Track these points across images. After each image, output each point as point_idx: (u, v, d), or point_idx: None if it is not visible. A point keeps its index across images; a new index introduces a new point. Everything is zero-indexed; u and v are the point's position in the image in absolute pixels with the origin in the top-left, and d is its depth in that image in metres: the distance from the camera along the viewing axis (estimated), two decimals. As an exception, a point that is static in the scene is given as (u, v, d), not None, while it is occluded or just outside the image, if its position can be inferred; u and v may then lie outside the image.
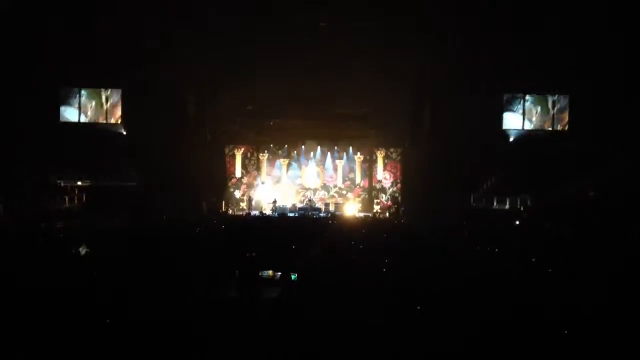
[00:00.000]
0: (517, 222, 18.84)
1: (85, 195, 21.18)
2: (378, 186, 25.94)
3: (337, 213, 23.89)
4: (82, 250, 9.03)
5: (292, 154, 26.00)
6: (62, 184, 21.37)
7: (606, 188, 19.45)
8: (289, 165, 26.06)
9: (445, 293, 6.07)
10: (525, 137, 24.35)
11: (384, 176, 25.90)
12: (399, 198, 25.42)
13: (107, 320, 4.98)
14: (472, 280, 6.88)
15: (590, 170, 20.59)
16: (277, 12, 20.86)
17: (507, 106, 24.58)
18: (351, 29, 21.63)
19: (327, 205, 24.93)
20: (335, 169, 26.03)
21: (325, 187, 26.06)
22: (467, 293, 6.13)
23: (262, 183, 25.73)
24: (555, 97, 24.32)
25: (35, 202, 18.55)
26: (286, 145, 25.97)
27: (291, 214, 23.05)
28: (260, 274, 7.86)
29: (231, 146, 26.06)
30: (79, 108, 24.46)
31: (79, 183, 21.72)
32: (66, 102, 24.41)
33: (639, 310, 5.47)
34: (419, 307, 5.56)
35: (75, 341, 4.52)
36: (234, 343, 4.67)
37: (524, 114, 24.46)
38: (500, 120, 24.47)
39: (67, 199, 20.43)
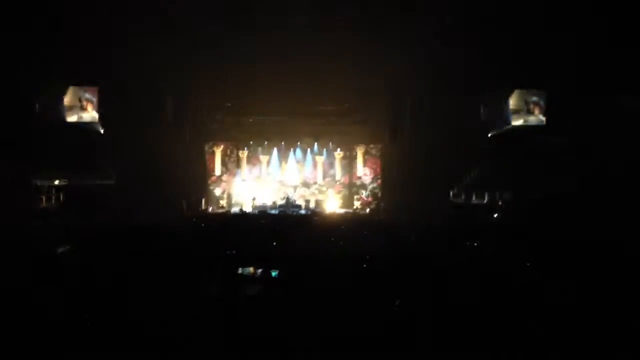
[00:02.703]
0: (495, 216, 19.06)
1: (62, 195, 20.96)
2: (358, 182, 26.02)
3: (317, 210, 23.94)
4: (60, 250, 8.94)
5: (272, 151, 25.97)
6: (39, 183, 21.10)
7: (585, 183, 19.68)
8: (269, 162, 26.04)
9: (423, 285, 6.13)
10: (504, 132, 24.54)
11: (364, 172, 26.00)
12: (379, 194, 25.53)
13: (88, 322, 4.95)
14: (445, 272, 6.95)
15: (570, 166, 20.84)
16: (257, 10, 20.78)
17: (487, 102, 24.72)
18: (330, 23, 21.63)
19: (307, 202, 24.96)
20: (315, 165, 26.07)
21: (305, 183, 26.09)
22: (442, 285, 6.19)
23: (243, 180, 25.68)
24: (535, 92, 24.51)
25: (11, 201, 18.29)
26: (266, 142, 25.94)
27: (272, 211, 23.03)
28: (241, 271, 7.85)
29: (211, 143, 25.96)
30: (56, 106, 24.10)
31: (57, 182, 21.45)
32: (42, 99, 24.03)
33: (614, 306, 5.56)
34: (397, 302, 5.60)
35: (54, 342, 4.48)
36: (215, 341, 4.67)
37: (503, 109, 24.64)
38: (479, 115, 24.62)
39: (44, 198, 20.19)
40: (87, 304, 5.47)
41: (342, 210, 24.39)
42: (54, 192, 20.88)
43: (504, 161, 22.81)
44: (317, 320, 4.94)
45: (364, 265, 8.07)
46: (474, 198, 21.77)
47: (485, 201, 21.42)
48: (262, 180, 25.81)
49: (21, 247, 9.73)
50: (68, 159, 22.33)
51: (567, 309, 5.54)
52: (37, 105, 23.79)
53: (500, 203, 20.74)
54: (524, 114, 24.57)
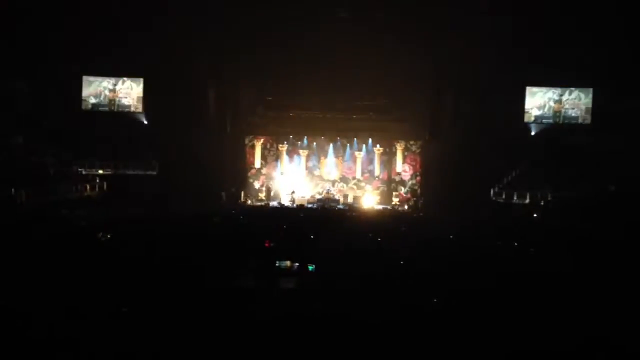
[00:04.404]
0: (535, 215, 18.70)
1: (106, 184, 21.41)
2: (397, 178, 25.83)
3: (355, 205, 23.85)
4: (102, 238, 9.12)
5: (312, 146, 25.99)
6: (84, 172, 21.62)
7: (627, 183, 19.15)
8: (308, 156, 26.07)
9: (461, 284, 6.04)
10: (546, 130, 24.07)
11: (404, 169, 25.79)
12: (418, 191, 25.27)
13: (124, 309, 5.02)
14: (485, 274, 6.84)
15: (612, 165, 20.31)
16: (296, 3, 20.86)
17: (529, 99, 24.27)
18: (371, 19, 21.54)
19: (345, 197, 24.91)
20: (354, 160, 25.99)
21: (344, 178, 26.03)
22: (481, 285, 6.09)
23: (281, 174, 25.78)
24: (578, 91, 23.97)
25: (57, 189, 18.75)
26: (306, 137, 25.97)
27: (309, 205, 23.04)
28: (277, 264, 7.86)
29: (251, 137, 26.14)
30: (101, 97, 24.63)
31: (100, 171, 21.96)
32: (88, 90, 24.57)
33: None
34: (435, 300, 5.53)
35: (89, 329, 4.56)
36: (249, 334, 4.68)
37: (546, 107, 24.17)
38: (522, 113, 24.19)
39: (88, 187, 20.65)
40: (123, 291, 5.55)
41: (380, 206, 24.24)
42: (97, 180, 21.33)
43: (547, 160, 22.35)
44: (353, 317, 4.92)
45: (401, 262, 8.00)
46: (515, 197, 21.37)
47: (527, 200, 21.01)
48: (301, 174, 25.85)
49: (66, 233, 9.98)
50: (112, 149, 22.84)
51: (610, 307, 5.39)
52: (82, 96, 24.37)
53: (542, 203, 20.31)
54: (568, 112, 24.07)
